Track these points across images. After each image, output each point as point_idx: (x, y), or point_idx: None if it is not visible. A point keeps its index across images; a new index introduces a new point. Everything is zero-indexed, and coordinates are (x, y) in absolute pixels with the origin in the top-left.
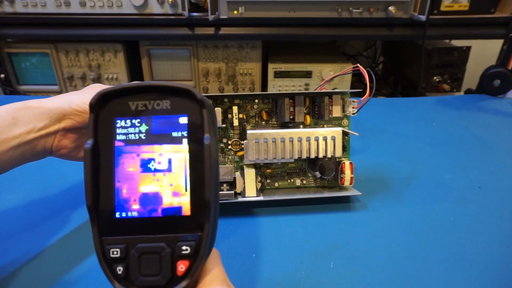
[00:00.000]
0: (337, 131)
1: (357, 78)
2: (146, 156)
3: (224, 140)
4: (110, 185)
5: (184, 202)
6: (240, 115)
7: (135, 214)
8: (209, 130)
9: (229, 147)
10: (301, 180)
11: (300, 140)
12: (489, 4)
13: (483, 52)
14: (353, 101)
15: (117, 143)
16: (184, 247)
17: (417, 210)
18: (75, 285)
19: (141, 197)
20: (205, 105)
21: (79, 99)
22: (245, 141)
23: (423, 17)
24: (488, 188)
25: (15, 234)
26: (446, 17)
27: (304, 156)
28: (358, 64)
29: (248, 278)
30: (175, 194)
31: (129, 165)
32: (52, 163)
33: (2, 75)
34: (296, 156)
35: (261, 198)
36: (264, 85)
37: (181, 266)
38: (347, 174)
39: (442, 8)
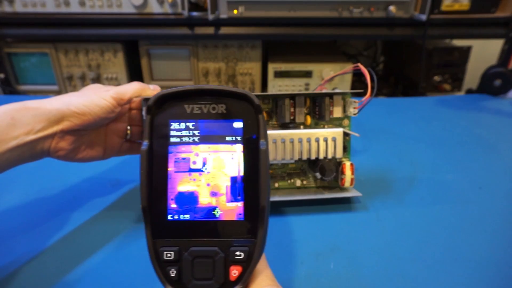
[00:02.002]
0: (337, 132)
1: (357, 78)
2: (199, 159)
3: None
4: (163, 187)
5: (237, 207)
6: None
7: (187, 217)
8: (264, 136)
9: None
10: (302, 181)
11: (300, 141)
12: (490, 4)
13: (484, 52)
14: (354, 101)
15: (171, 145)
16: (237, 252)
17: (417, 210)
18: (75, 285)
19: (193, 201)
20: (261, 110)
21: (78, 101)
22: None
23: (423, 17)
24: (489, 189)
25: (15, 234)
26: (446, 16)
27: (305, 157)
28: (359, 64)
29: None
30: (229, 198)
31: (181, 168)
32: (52, 164)
33: (2, 75)
34: (296, 157)
35: None
36: (264, 85)
37: (234, 272)
38: (348, 175)
39: (443, 8)
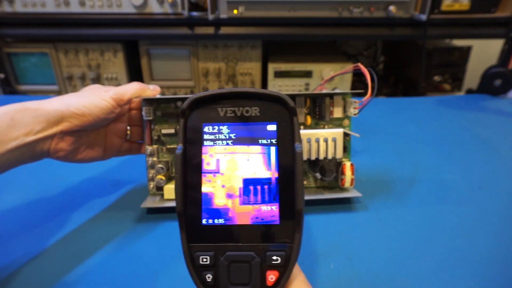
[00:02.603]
0: (338, 132)
1: (357, 78)
2: (232, 163)
3: None
4: (197, 191)
5: (272, 211)
6: None
7: (221, 221)
8: (299, 138)
9: None
10: None
11: None
12: (490, 4)
13: (484, 52)
14: (355, 102)
15: (204, 149)
16: (274, 257)
17: (417, 210)
18: (75, 285)
19: (228, 205)
20: (296, 112)
21: (78, 102)
22: None
23: (423, 17)
24: (489, 188)
25: (15, 234)
26: (446, 16)
27: (305, 157)
28: (359, 63)
29: None
30: (263, 202)
31: (215, 172)
32: (52, 164)
33: (2, 75)
34: None
35: None
36: (264, 85)
37: (271, 276)
38: (348, 175)
39: (443, 8)
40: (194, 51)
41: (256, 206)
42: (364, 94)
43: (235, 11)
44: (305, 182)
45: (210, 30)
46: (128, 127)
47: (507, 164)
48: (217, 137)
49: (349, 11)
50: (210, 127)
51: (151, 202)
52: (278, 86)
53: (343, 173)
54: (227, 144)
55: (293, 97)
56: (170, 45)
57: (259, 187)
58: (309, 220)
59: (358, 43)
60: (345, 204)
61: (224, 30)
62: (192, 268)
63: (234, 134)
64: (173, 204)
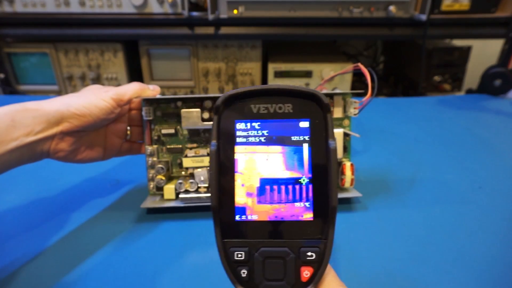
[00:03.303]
0: (338, 132)
1: (357, 78)
2: (265, 159)
3: None
4: (231, 187)
5: (306, 208)
6: None
7: (255, 217)
8: (332, 135)
9: None
10: None
11: None
12: (490, 4)
13: (484, 52)
14: (355, 102)
15: (237, 145)
16: (309, 253)
17: (417, 210)
18: (75, 285)
19: (260, 201)
20: (330, 109)
21: (78, 102)
22: None
23: (423, 17)
24: (489, 188)
25: (15, 234)
26: (446, 16)
27: None
28: (359, 63)
29: None
30: (296, 199)
31: (248, 168)
32: (52, 164)
33: (2, 75)
34: None
35: None
36: None
37: (306, 272)
38: (348, 175)
39: (443, 8)
40: (194, 51)
41: (289, 202)
42: (364, 94)
43: (235, 11)
44: None
45: (210, 30)
46: (128, 127)
47: (507, 164)
48: (250, 134)
49: (349, 11)
50: (243, 124)
51: (151, 202)
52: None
53: (343, 173)
54: (260, 140)
55: None
56: (170, 45)
57: (291, 183)
58: None
59: (358, 43)
60: (345, 204)
61: (224, 30)
62: (227, 264)
63: (267, 131)
64: (172, 204)
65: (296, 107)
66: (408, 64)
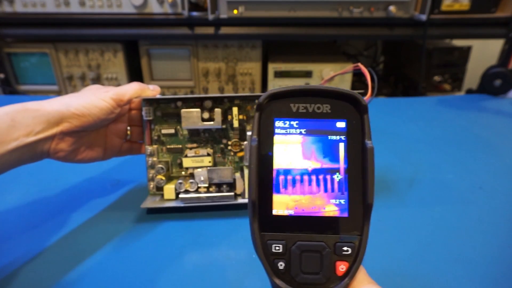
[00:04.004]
0: None
1: (357, 78)
2: (301, 156)
3: (224, 141)
4: (268, 182)
5: (341, 204)
6: (240, 116)
7: (292, 212)
8: (369, 136)
9: (229, 148)
10: None
11: None
12: (490, 4)
13: (484, 52)
14: None
15: (275, 143)
16: (345, 248)
17: (417, 210)
18: (75, 285)
19: (298, 196)
20: (367, 110)
21: (78, 102)
22: (245, 142)
23: (423, 17)
24: (489, 188)
25: (15, 234)
26: (446, 16)
27: None
28: (359, 63)
29: (248, 278)
30: (332, 195)
31: (285, 163)
32: (52, 164)
33: (2, 75)
34: None
35: None
36: (264, 85)
37: (342, 267)
38: None
39: (443, 8)
40: (194, 51)
41: (326, 198)
42: (364, 94)
43: (235, 11)
44: None
45: (210, 30)
46: (128, 127)
47: (507, 164)
48: (288, 132)
49: (349, 11)
50: (281, 122)
51: (151, 202)
52: (278, 86)
53: None
54: (297, 138)
55: None
56: (170, 45)
57: (328, 181)
58: None
59: (358, 43)
60: None
61: (224, 30)
62: (264, 256)
63: (305, 130)
64: (172, 204)
65: (334, 107)
66: (408, 64)
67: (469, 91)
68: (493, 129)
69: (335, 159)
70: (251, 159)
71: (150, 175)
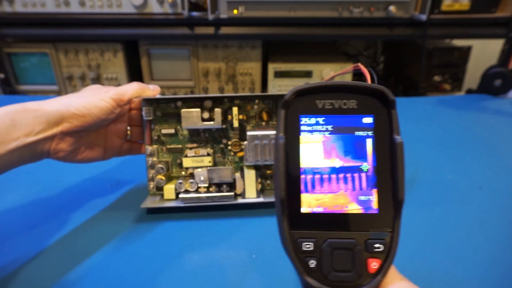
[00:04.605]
0: None
1: (357, 78)
2: (328, 152)
3: (224, 141)
4: (296, 180)
5: (371, 200)
6: (240, 116)
7: (321, 209)
8: (397, 131)
9: (229, 147)
10: None
11: None
12: (490, 4)
13: (484, 52)
14: None
15: (301, 140)
16: (376, 245)
17: (417, 210)
18: (75, 285)
19: (326, 194)
20: (395, 105)
21: (78, 102)
22: (245, 142)
23: (423, 17)
24: (489, 188)
25: (15, 234)
26: (446, 16)
27: None
28: (359, 63)
29: (248, 278)
30: (361, 192)
31: (312, 161)
32: (52, 164)
33: (2, 75)
34: None
35: (261, 199)
36: (264, 85)
37: (374, 264)
38: None
39: (443, 8)
40: (194, 51)
41: (355, 195)
42: None
43: (235, 11)
44: None
45: (210, 30)
46: (128, 127)
47: (507, 164)
48: (314, 128)
49: (349, 11)
50: (307, 119)
51: (151, 202)
52: (278, 86)
53: None
54: (324, 135)
55: None
56: (170, 45)
57: (356, 177)
58: None
59: (358, 43)
60: None
61: (224, 30)
62: (295, 255)
63: (331, 126)
64: (172, 204)
65: (360, 103)
66: (408, 64)
67: (469, 91)
68: (493, 129)
69: (363, 155)
70: (278, 157)
71: (150, 175)
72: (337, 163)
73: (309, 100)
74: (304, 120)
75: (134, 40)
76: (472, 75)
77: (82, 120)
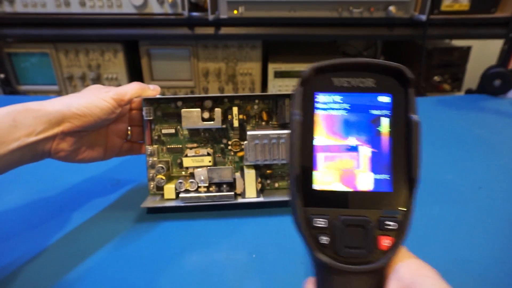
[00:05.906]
0: None
1: None
2: (344, 132)
3: (224, 141)
4: (310, 157)
5: (385, 179)
6: (240, 116)
7: (334, 187)
8: (414, 109)
9: (229, 147)
10: None
11: None
12: (490, 4)
13: (484, 52)
14: None
15: (316, 117)
16: (388, 222)
17: (417, 210)
18: (75, 285)
19: (339, 171)
20: (414, 84)
21: (78, 102)
22: (245, 142)
23: (423, 17)
24: (489, 188)
25: (15, 234)
26: (446, 17)
27: None
28: None
29: (248, 278)
30: (375, 170)
31: (327, 140)
32: (52, 164)
33: (2, 75)
34: None
35: (261, 199)
36: (264, 85)
37: (386, 241)
38: None
39: (443, 8)
40: (194, 51)
41: (369, 173)
42: None
43: (235, 11)
44: None
45: (210, 30)
46: (129, 127)
47: (507, 164)
48: (331, 106)
49: (349, 11)
50: (324, 96)
51: (151, 202)
52: (278, 86)
53: None
54: (339, 113)
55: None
56: (170, 45)
57: (371, 156)
58: None
59: (358, 43)
60: None
61: (224, 30)
62: (308, 231)
63: (347, 104)
64: (172, 204)
65: (378, 81)
66: (408, 64)
67: (469, 91)
68: (492, 129)
69: (379, 134)
70: (294, 134)
71: (150, 174)
72: (352, 141)
73: (326, 78)
74: (320, 97)
75: (134, 40)
76: (472, 75)
77: (83, 120)
